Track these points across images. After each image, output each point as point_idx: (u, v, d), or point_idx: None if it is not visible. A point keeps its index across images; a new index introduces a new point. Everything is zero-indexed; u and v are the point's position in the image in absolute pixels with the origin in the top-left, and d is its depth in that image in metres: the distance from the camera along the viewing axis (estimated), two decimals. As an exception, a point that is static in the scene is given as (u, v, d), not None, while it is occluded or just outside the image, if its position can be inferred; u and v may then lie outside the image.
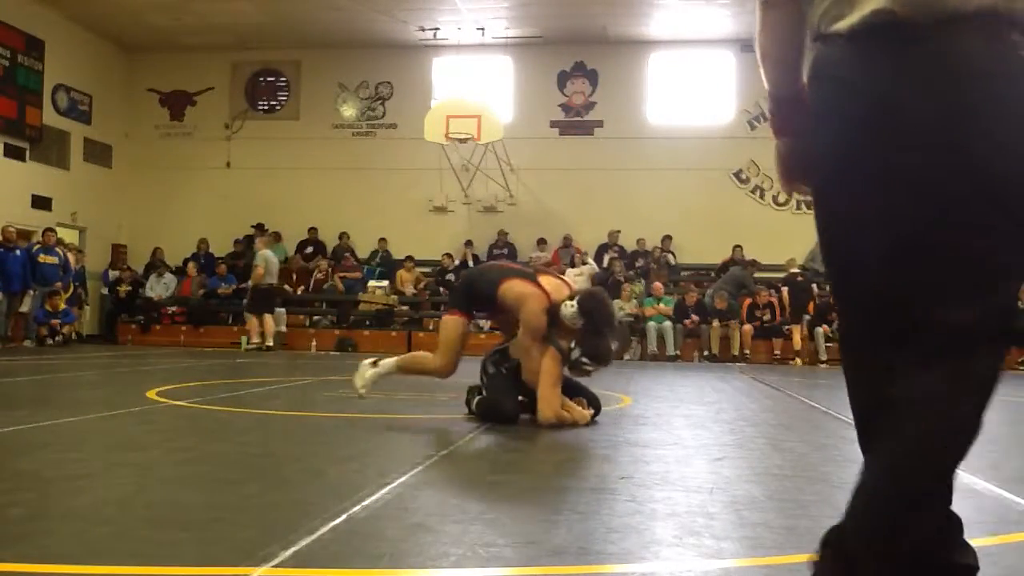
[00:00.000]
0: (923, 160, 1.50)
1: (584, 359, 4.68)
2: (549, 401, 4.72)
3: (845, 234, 1.64)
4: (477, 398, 5.07)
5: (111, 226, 18.52)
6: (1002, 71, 1.47)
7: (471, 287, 5.10)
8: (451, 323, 5.03)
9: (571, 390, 4.99)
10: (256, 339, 14.42)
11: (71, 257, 15.27)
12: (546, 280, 4.98)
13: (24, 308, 14.12)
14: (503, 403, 4.90)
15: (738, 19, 16.70)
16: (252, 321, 14.58)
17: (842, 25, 1.59)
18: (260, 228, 18.53)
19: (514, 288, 4.88)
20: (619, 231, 17.44)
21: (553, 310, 4.78)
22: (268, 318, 14.56)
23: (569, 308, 4.74)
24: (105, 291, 17.44)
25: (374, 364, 5.21)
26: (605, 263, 17.11)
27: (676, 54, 18.06)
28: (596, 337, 4.70)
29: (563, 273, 16.47)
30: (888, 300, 1.60)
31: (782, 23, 1.74)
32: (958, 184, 1.50)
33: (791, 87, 1.76)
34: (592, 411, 4.95)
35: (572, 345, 4.70)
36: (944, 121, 1.48)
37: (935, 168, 1.50)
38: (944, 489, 1.59)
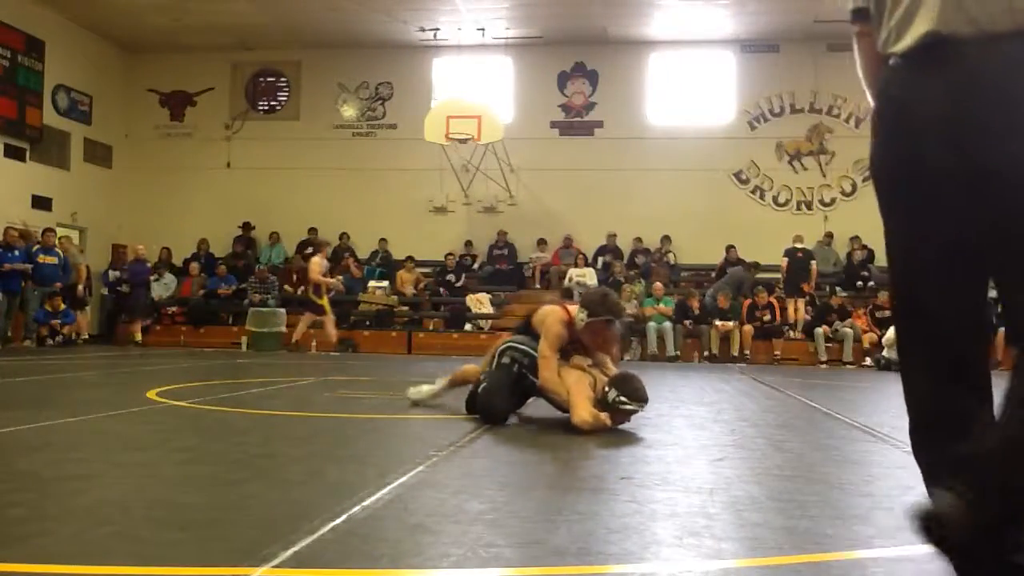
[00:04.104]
0: (963, 164, 1.68)
1: (622, 398, 4.67)
2: (582, 405, 4.67)
3: (904, 240, 1.84)
4: (483, 385, 5.07)
5: (111, 226, 18.52)
6: None
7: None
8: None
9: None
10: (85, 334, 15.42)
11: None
12: (571, 305, 5.19)
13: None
14: (495, 401, 4.89)
15: (738, 19, 16.71)
16: (86, 318, 15.65)
17: (899, 47, 1.82)
18: (247, 227, 18.54)
19: (538, 314, 5.15)
20: (615, 233, 17.45)
21: (569, 322, 4.92)
22: (85, 314, 15.62)
23: (578, 313, 4.91)
24: (105, 291, 17.43)
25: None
26: (600, 264, 17.12)
27: (676, 54, 18.06)
28: (625, 380, 4.77)
29: (566, 275, 16.55)
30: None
31: (869, 47, 1.99)
32: (996, 186, 1.65)
33: None
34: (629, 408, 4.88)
35: (607, 388, 4.73)
36: (995, 125, 1.65)
37: (975, 172, 1.67)
38: None
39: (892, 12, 1.84)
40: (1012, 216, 1.64)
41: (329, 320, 14.42)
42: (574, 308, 5.02)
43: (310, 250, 18.07)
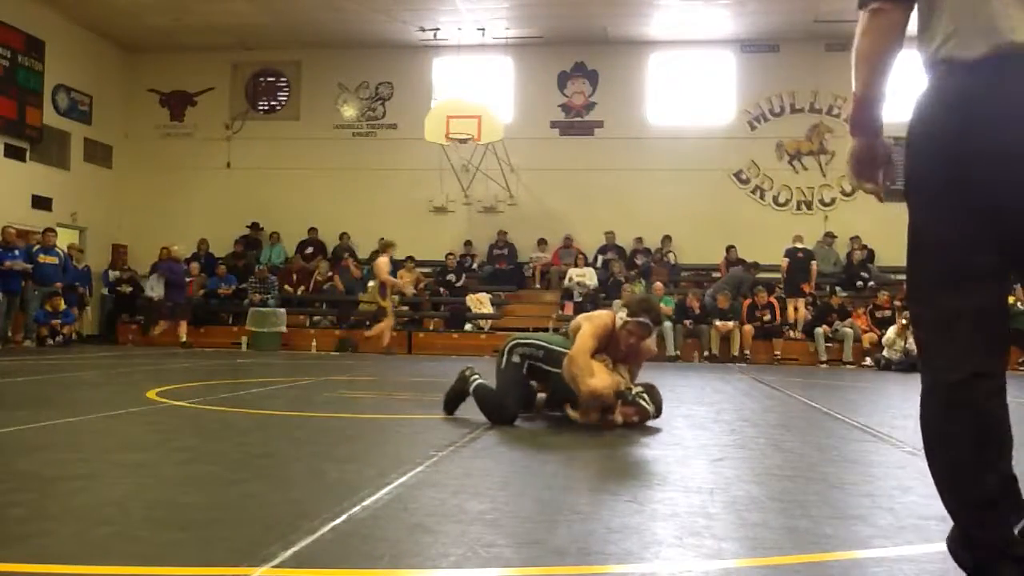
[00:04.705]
0: None
1: (644, 395, 4.90)
2: (599, 377, 4.77)
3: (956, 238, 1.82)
4: (477, 382, 5.06)
5: (111, 226, 18.53)
6: None
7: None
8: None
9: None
10: None
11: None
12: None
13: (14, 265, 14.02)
14: (507, 403, 4.90)
15: (738, 19, 16.71)
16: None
17: (962, 51, 1.77)
18: (256, 227, 18.56)
19: (580, 316, 5.27)
20: (613, 232, 17.44)
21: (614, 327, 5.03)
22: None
23: (618, 311, 5.08)
24: (105, 291, 17.44)
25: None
26: (599, 263, 17.11)
27: (676, 54, 18.06)
28: (651, 387, 5.02)
29: (566, 276, 16.56)
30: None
31: (885, 30, 1.90)
32: None
33: (878, 89, 1.95)
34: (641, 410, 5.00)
35: (631, 386, 4.94)
36: None
37: None
38: None
39: (955, 14, 1.80)
40: None
41: (388, 322, 14.38)
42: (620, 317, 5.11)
43: (310, 250, 18.16)
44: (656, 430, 4.79)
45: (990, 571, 1.79)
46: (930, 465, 1.89)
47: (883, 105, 1.97)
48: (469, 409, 5.08)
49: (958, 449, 1.83)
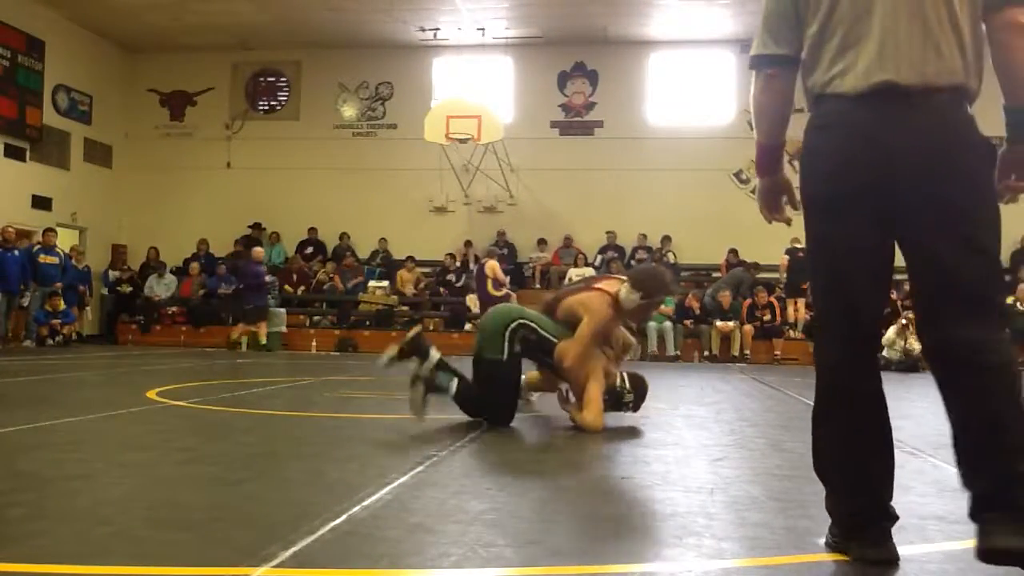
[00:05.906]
0: (911, 192, 2.08)
1: (629, 404, 4.97)
2: (597, 408, 4.70)
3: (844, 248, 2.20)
4: (453, 388, 4.84)
5: (111, 226, 18.53)
6: (962, 126, 2.10)
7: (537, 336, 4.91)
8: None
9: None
10: None
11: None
12: (603, 283, 5.13)
13: (25, 302, 14.07)
14: (504, 415, 4.81)
15: (738, 19, 16.70)
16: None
17: (847, 87, 2.14)
18: (257, 227, 18.56)
19: (574, 299, 4.99)
20: (614, 232, 17.44)
21: (614, 303, 4.88)
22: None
23: (624, 290, 4.87)
24: (105, 291, 17.44)
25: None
26: (597, 262, 17.11)
27: (676, 54, 18.07)
28: (641, 394, 5.02)
29: (566, 276, 16.55)
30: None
31: (780, 91, 2.35)
32: (932, 210, 2.06)
33: (780, 138, 2.46)
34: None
35: (626, 387, 4.94)
36: (928, 159, 2.06)
37: (919, 197, 2.07)
38: None
39: (835, 59, 2.18)
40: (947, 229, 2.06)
41: None
42: (613, 286, 4.94)
43: (310, 250, 18.15)
44: (656, 430, 4.79)
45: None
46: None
47: (783, 148, 2.43)
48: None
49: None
